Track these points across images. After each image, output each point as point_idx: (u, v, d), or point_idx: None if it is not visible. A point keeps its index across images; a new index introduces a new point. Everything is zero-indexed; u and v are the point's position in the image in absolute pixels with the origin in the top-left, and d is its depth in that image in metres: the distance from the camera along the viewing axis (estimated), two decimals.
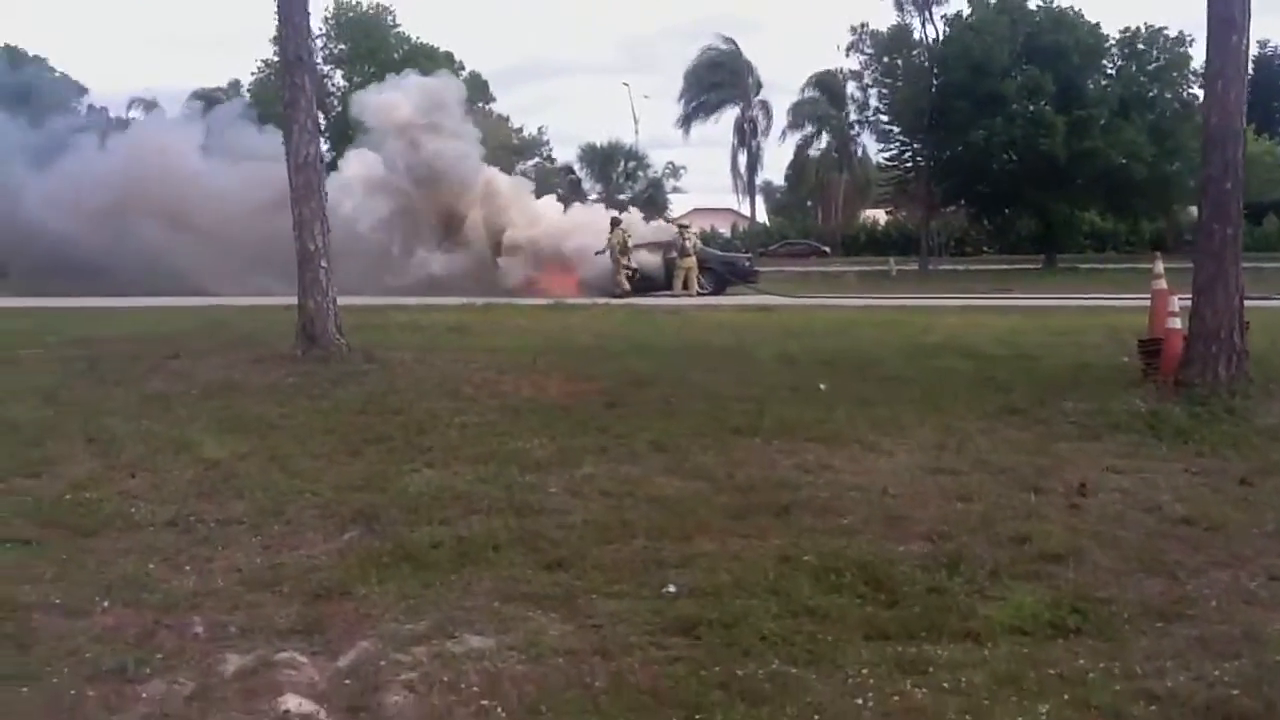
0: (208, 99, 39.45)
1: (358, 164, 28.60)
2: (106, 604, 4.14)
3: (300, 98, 11.15)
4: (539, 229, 28.56)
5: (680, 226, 28.80)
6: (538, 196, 32.38)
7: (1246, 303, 8.76)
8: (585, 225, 29.09)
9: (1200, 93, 44.01)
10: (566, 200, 35.18)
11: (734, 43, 63.53)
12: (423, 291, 23.81)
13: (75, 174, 27.67)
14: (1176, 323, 9.16)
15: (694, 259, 26.79)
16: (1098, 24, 44.01)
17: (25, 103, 31.69)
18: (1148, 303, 17.01)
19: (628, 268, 26.53)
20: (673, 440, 7.18)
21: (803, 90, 66.49)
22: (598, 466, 6.46)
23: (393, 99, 29.96)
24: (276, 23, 11.20)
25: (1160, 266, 10.42)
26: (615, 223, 27.21)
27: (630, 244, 26.67)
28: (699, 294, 25.98)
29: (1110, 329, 14.53)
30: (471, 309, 19.00)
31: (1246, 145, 8.89)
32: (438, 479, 6.04)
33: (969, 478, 6.14)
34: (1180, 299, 9.46)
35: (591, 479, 6.12)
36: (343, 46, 47.07)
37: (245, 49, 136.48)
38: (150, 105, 36.06)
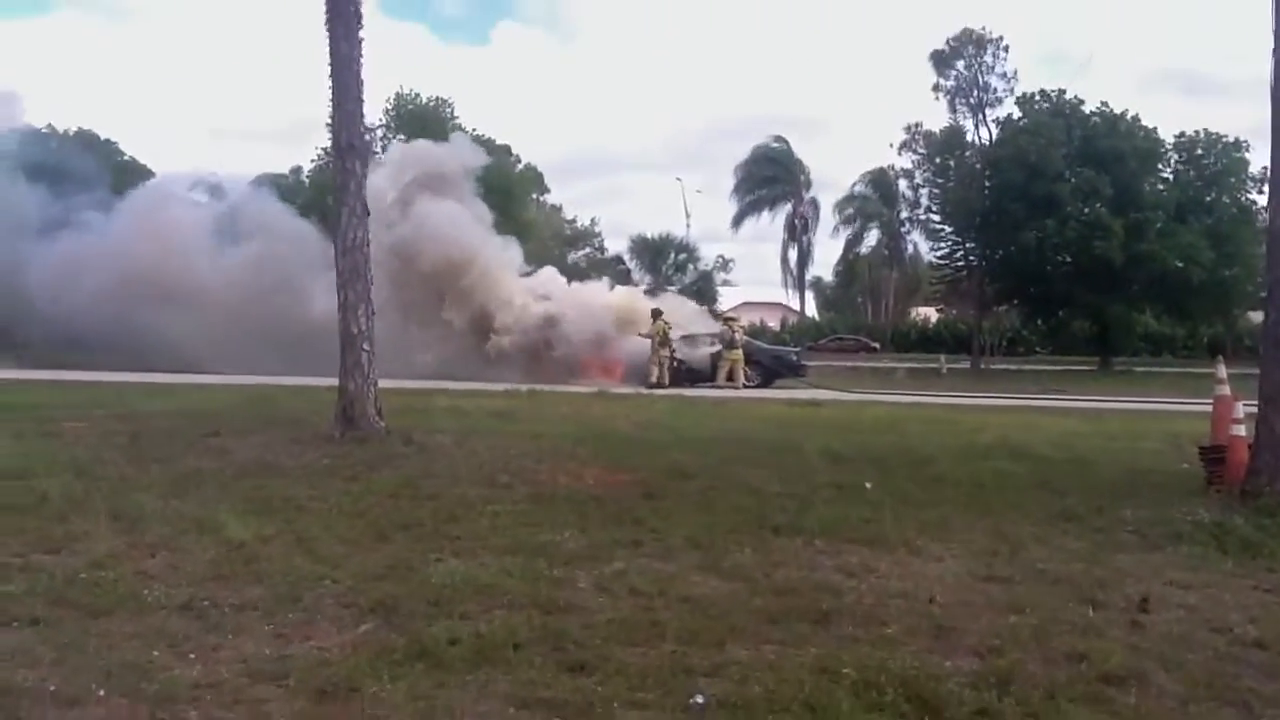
0: (272, 185, 40.43)
1: None
2: (103, 693, 3.94)
3: (350, 182, 11.24)
4: (532, 311, 28.31)
5: (728, 320, 28.71)
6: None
7: None
8: (587, 304, 28.84)
9: (1260, 198, 43.99)
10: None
11: (785, 140, 64.52)
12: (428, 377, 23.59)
13: (76, 249, 28.41)
14: (1241, 430, 8.78)
15: (740, 352, 26.62)
16: (1154, 129, 43.87)
17: (63, 180, 32.52)
18: (1207, 408, 16.47)
19: (674, 359, 26.40)
20: (710, 537, 6.90)
21: (853, 187, 67.04)
22: (630, 562, 6.20)
23: (375, 183, 30.09)
24: (330, 109, 11.35)
25: (1223, 371, 10.05)
26: (656, 314, 27.10)
27: (672, 335, 26.52)
28: (745, 387, 25.77)
29: (1169, 434, 14.08)
30: (516, 395, 18.90)
31: None
32: (463, 570, 5.81)
33: (1022, 587, 5.80)
34: (1244, 405, 9.10)
35: (622, 575, 5.86)
36: (402, 137, 48.04)
37: (312, 137, 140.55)
38: (215, 188, 36.80)
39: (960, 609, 5.34)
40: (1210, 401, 10.95)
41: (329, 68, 11.37)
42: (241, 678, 4.11)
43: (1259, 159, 42.82)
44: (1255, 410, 8.42)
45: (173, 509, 7.43)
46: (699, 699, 3.98)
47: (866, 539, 6.95)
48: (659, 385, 24.84)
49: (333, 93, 11.33)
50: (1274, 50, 8.25)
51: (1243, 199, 43.53)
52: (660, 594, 5.46)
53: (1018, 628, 4.98)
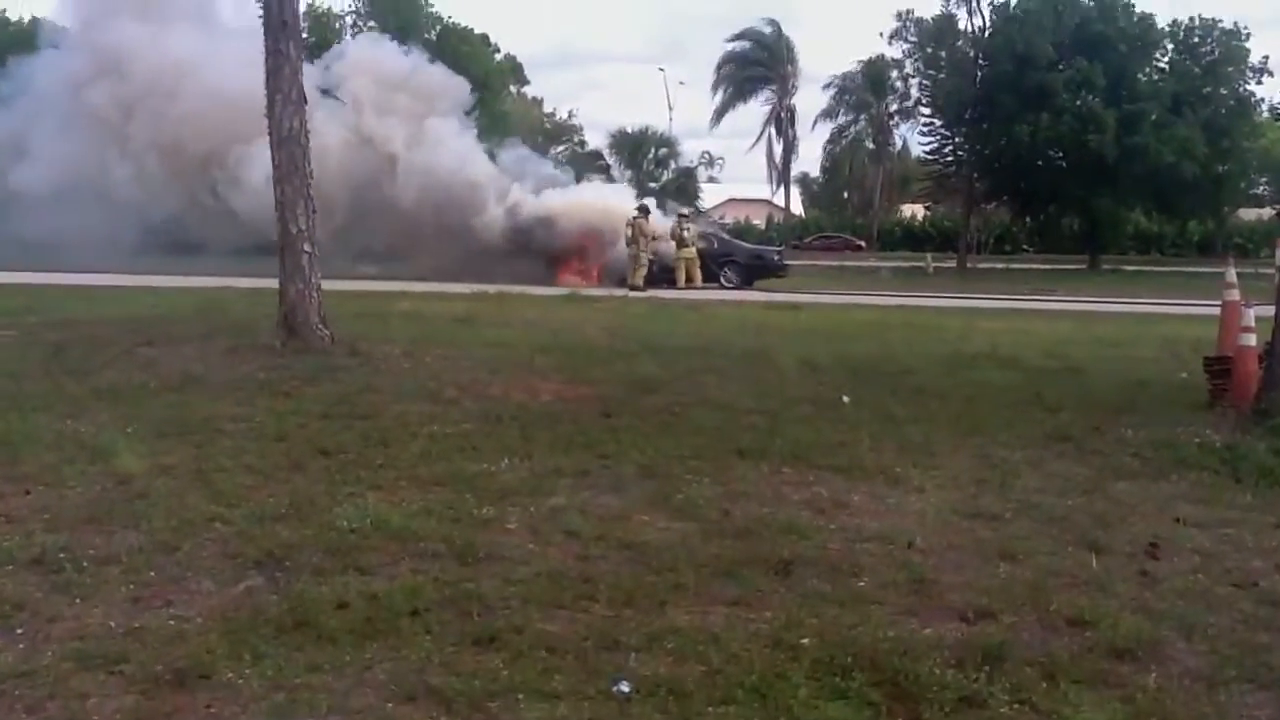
0: None
1: None
2: None
3: (285, 66, 10.20)
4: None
5: (680, 216, 27.45)
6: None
7: None
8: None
9: (1260, 89, 42.54)
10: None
11: (776, 24, 62.26)
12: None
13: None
14: (1251, 339, 8.04)
15: (693, 250, 25.60)
16: (1146, 12, 42.19)
17: None
18: (1201, 310, 15.86)
19: (653, 260, 25.30)
20: (666, 464, 6.19)
21: (844, 78, 65.03)
22: (572, 496, 5.48)
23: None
24: None
25: (1233, 274, 9.25)
26: (643, 210, 25.71)
27: (651, 235, 25.30)
28: (700, 287, 24.91)
29: (1164, 340, 13.41)
30: (483, 298, 18.08)
31: None
32: (376, 508, 5.05)
33: (1013, 526, 5.10)
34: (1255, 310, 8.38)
35: (560, 514, 5.13)
36: (372, 25, 46.06)
37: None
38: None
39: (943, 555, 4.64)
40: (1213, 305, 10.23)
41: None
42: (68, 662, 3.35)
43: (1259, 48, 41.59)
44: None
45: (69, 433, 6.65)
46: (622, 686, 3.27)
47: (840, 465, 6.24)
48: (637, 288, 23.87)
49: None
50: None
51: (1241, 90, 42.18)
52: (599, 538, 4.74)
53: (1010, 582, 4.28)
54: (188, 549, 4.49)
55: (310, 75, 11.92)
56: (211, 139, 26.05)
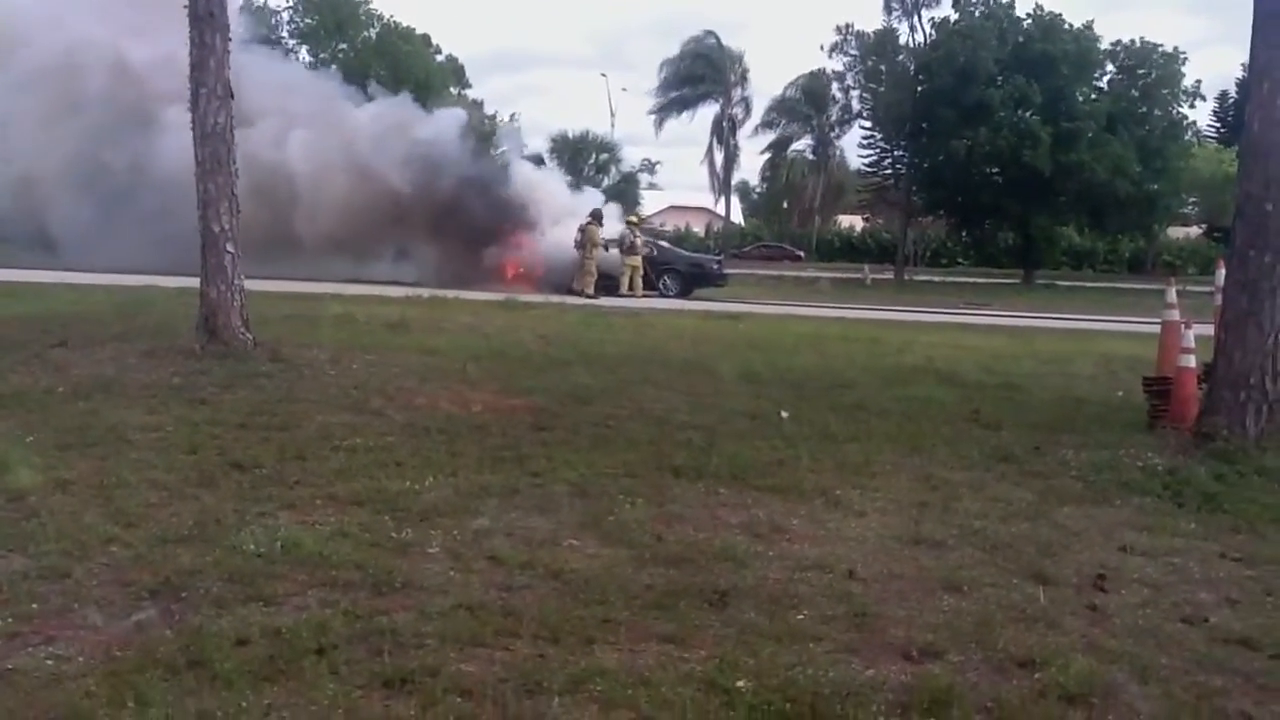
0: None
1: None
2: None
3: (209, 58, 9.77)
4: None
5: (629, 223, 26.98)
6: None
7: None
8: None
9: (1191, 112, 43.57)
10: None
11: (716, 35, 62.27)
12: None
13: None
14: (1190, 361, 7.99)
15: (639, 258, 25.21)
16: (1088, 28, 42.77)
17: None
18: (1134, 328, 15.96)
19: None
20: (599, 482, 5.93)
21: (785, 90, 65.20)
22: (499, 518, 5.19)
23: None
24: None
25: (1174, 294, 9.23)
26: (595, 216, 25.08)
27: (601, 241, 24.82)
28: (642, 295, 24.51)
29: (1099, 357, 13.49)
30: (417, 302, 17.66)
31: None
32: (288, 530, 4.73)
33: (957, 554, 4.92)
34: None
35: (486, 537, 4.85)
36: (309, 21, 45.29)
37: None
38: None
39: (885, 585, 4.44)
40: (1146, 322, 10.25)
41: None
42: None
43: (1193, 71, 42.66)
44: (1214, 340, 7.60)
45: None
46: None
47: (778, 486, 6.03)
48: (587, 294, 23.38)
49: None
50: None
51: (1174, 112, 43.14)
52: (525, 565, 4.47)
53: (955, 616, 4.08)
54: (78, 576, 4.14)
55: None
56: None
